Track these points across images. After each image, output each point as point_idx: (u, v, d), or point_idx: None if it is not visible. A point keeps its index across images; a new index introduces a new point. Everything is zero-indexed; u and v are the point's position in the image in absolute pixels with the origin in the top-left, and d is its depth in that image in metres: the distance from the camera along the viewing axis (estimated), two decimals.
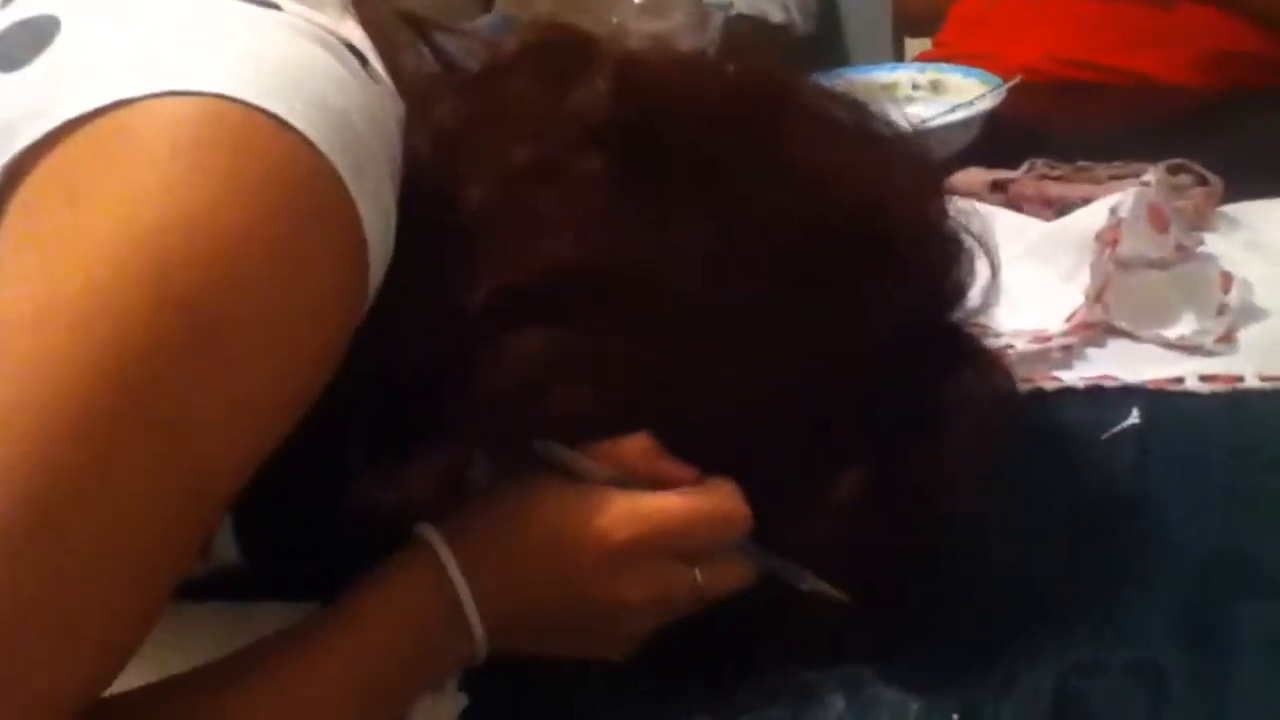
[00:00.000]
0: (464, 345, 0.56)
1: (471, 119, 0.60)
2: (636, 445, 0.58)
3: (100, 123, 0.50)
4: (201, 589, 0.61)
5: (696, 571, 0.58)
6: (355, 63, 0.56)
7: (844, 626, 0.59)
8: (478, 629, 0.57)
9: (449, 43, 0.66)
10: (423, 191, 0.56)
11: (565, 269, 0.56)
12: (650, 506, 0.57)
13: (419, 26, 0.66)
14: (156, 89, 0.50)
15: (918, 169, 0.64)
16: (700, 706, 0.59)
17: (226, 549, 0.61)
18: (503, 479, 0.59)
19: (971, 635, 0.62)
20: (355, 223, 0.51)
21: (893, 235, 0.60)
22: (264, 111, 0.50)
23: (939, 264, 0.63)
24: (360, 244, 0.52)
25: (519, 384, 0.56)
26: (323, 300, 0.51)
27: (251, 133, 0.50)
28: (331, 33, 0.55)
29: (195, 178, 0.49)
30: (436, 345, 0.57)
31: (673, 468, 0.58)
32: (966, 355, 0.64)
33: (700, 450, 0.58)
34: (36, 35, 0.53)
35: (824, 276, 0.59)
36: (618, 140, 0.57)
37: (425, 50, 0.66)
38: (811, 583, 0.59)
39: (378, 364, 0.55)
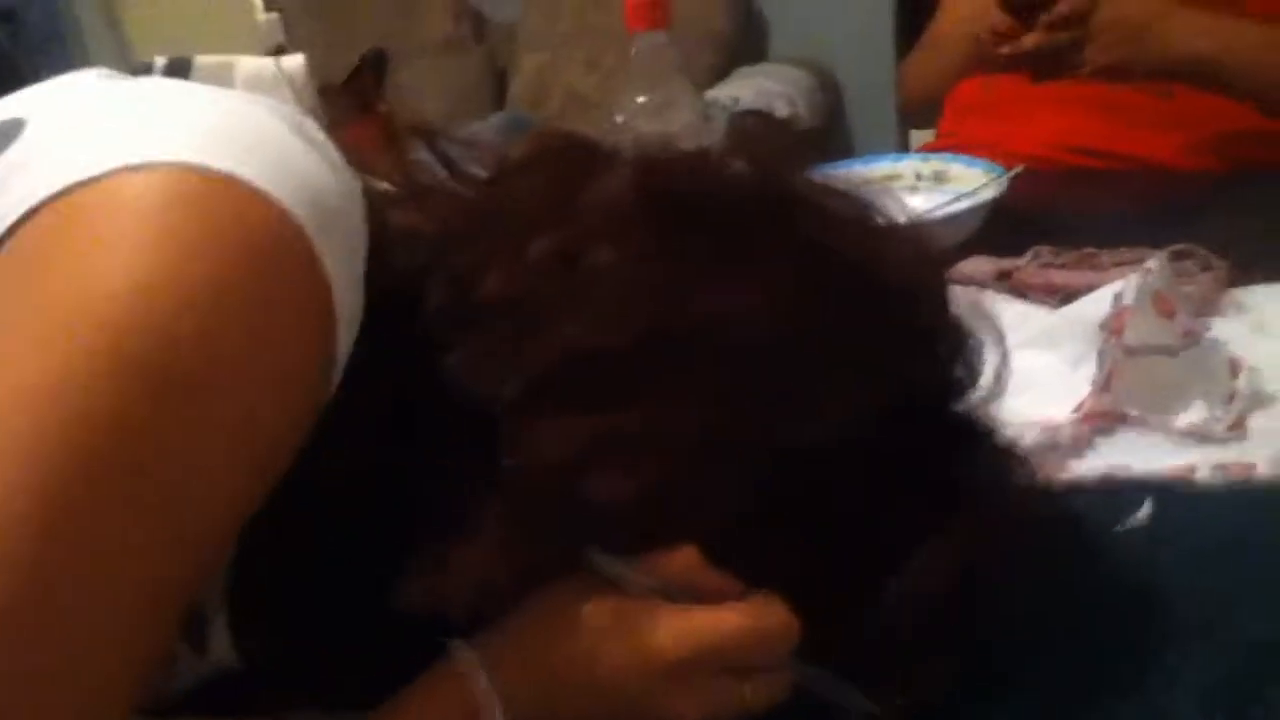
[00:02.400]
0: (490, 438, 0.55)
1: (485, 215, 0.60)
2: (682, 557, 0.56)
3: (57, 205, 0.49)
4: (193, 702, 0.59)
5: (746, 687, 0.57)
6: (313, 129, 0.56)
7: None
8: None
9: (452, 149, 0.67)
10: (436, 284, 0.56)
11: (589, 351, 0.55)
12: (702, 622, 0.56)
13: (426, 134, 0.66)
14: (113, 165, 0.50)
15: (918, 258, 0.64)
16: None
17: (221, 646, 0.60)
18: (531, 584, 0.57)
19: None
20: (322, 280, 0.51)
21: (897, 321, 0.60)
22: (223, 174, 0.50)
23: (946, 350, 0.62)
24: (327, 300, 0.51)
25: (553, 472, 0.54)
26: (289, 355, 0.50)
27: (211, 196, 0.49)
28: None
29: (150, 243, 0.48)
30: (459, 440, 0.55)
31: (719, 580, 0.56)
32: (984, 444, 0.63)
33: (740, 555, 0.57)
34: (1, 138, 0.54)
35: (835, 354, 0.58)
36: (635, 230, 0.57)
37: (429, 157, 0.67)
38: (859, 702, 0.57)
39: (395, 460, 0.55)
